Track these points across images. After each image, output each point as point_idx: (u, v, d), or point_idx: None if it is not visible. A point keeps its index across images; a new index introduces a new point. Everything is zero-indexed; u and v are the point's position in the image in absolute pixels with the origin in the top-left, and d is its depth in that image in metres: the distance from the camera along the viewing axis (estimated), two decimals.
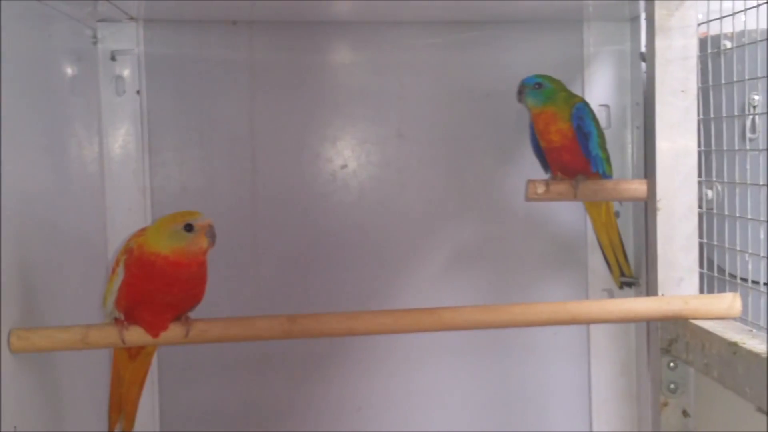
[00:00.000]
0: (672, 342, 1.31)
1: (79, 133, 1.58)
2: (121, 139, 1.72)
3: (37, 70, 1.36)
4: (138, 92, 1.72)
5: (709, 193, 1.44)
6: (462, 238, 1.81)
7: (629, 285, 1.75)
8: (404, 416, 1.82)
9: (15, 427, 1.13)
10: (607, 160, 1.55)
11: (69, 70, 1.53)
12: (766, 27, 1.31)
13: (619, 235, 1.68)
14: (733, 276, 1.37)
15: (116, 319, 1.20)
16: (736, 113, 1.35)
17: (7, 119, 1.17)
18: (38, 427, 1.25)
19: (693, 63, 1.39)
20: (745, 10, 1.29)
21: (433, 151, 1.80)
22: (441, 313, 1.26)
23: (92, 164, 1.64)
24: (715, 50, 1.40)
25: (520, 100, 1.53)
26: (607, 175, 1.54)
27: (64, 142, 1.50)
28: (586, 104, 1.53)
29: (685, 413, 1.33)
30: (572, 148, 1.51)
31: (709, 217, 1.44)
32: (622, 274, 1.71)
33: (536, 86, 1.51)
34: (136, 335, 1.20)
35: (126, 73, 1.72)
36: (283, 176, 1.77)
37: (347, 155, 1.79)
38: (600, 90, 1.80)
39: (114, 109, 1.71)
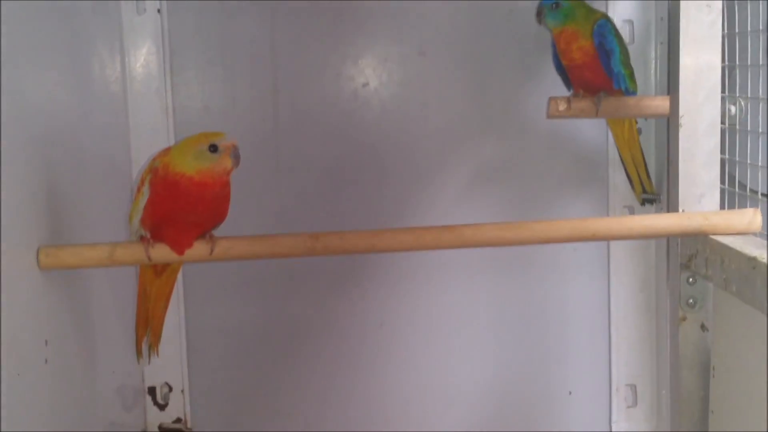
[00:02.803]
0: (691, 257, 1.32)
1: (101, 53, 1.58)
2: (143, 58, 1.72)
3: None
4: (159, 11, 1.71)
5: (732, 108, 1.43)
6: (483, 156, 1.81)
7: (651, 202, 1.75)
8: (426, 333, 1.85)
9: (46, 341, 1.16)
10: (631, 76, 1.54)
11: None
12: None
13: (642, 151, 1.67)
14: (754, 191, 1.36)
15: (142, 237, 1.22)
16: (761, 27, 1.34)
17: (30, 41, 1.18)
18: (68, 341, 1.28)
19: None
20: None
21: (454, 69, 1.79)
22: (462, 230, 1.26)
23: (115, 84, 1.65)
24: None
25: (539, 21, 1.51)
26: (630, 92, 1.53)
27: (87, 62, 1.50)
28: (608, 20, 1.51)
29: (703, 327, 1.34)
30: (594, 65, 1.50)
31: (731, 132, 1.43)
32: (644, 191, 1.71)
33: (554, 6, 1.49)
34: (161, 252, 1.21)
35: None
36: (305, 95, 1.77)
37: (369, 74, 1.78)
38: (624, 5, 1.77)
39: (135, 29, 1.71)
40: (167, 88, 1.73)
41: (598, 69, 1.50)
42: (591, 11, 1.52)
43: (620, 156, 1.70)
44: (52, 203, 1.22)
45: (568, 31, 1.50)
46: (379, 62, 1.78)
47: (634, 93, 1.55)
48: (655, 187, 1.73)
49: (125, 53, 1.70)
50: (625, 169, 1.70)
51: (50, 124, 1.25)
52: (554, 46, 1.55)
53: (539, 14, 1.51)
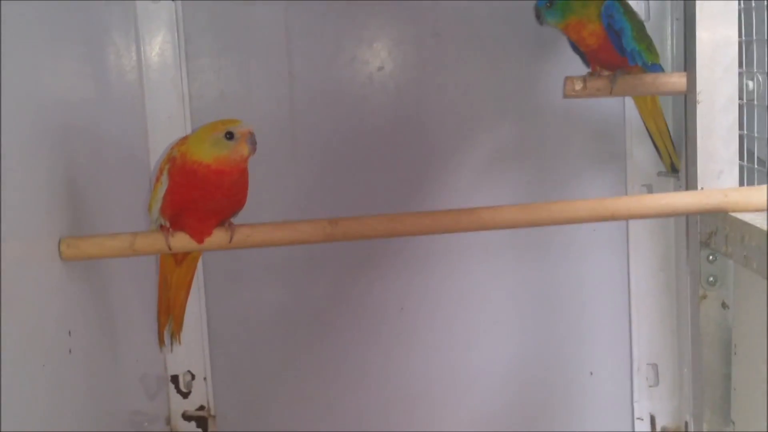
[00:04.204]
0: (711, 235, 1.31)
1: (117, 41, 1.59)
2: (158, 46, 1.73)
3: None
4: None
5: (750, 84, 1.42)
6: (501, 137, 1.81)
7: (676, 171, 1.73)
8: (446, 316, 1.85)
9: (69, 331, 1.17)
10: (647, 48, 1.52)
11: None
12: None
13: (665, 122, 1.66)
14: None
15: (162, 226, 1.23)
16: None
17: (47, 32, 1.18)
18: (92, 331, 1.29)
19: None
20: None
21: (469, 51, 1.79)
22: (480, 212, 1.26)
23: (131, 73, 1.65)
24: None
25: (540, 23, 1.49)
26: (648, 65, 1.52)
27: (103, 52, 1.51)
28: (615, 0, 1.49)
29: (724, 305, 1.34)
30: (606, 47, 1.49)
31: (749, 108, 1.42)
32: (671, 162, 1.70)
33: (548, 5, 1.47)
34: (181, 241, 1.22)
35: None
36: (320, 80, 1.77)
37: (384, 57, 1.78)
38: None
39: (150, 17, 1.71)
40: (183, 76, 1.73)
41: (611, 50, 1.49)
42: None
43: (646, 127, 1.68)
44: (72, 194, 1.23)
45: (573, 23, 1.48)
46: (393, 45, 1.78)
47: (654, 65, 1.53)
48: (679, 159, 1.71)
49: (140, 42, 1.71)
50: (653, 140, 1.69)
51: (68, 116, 1.26)
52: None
53: (538, 17, 1.49)
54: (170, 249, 1.22)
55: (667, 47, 1.75)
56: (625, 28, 1.47)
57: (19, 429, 0.97)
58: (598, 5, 1.47)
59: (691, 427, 1.51)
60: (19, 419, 0.98)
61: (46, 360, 1.08)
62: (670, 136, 1.67)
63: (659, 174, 1.77)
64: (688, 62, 1.47)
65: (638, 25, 1.51)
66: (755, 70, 1.39)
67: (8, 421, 0.94)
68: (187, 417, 1.81)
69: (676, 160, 1.69)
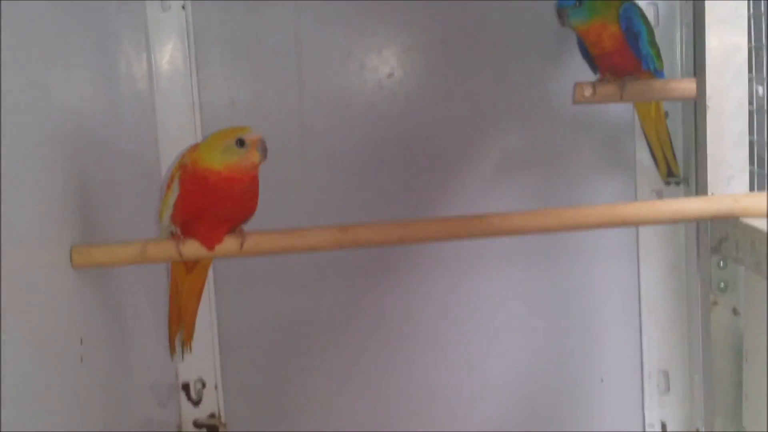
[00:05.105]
0: (722, 241, 1.31)
1: (128, 50, 1.59)
2: (169, 54, 1.73)
3: None
4: (183, 7, 1.72)
5: (760, 89, 1.42)
6: (510, 143, 1.81)
7: (677, 183, 1.74)
8: (456, 323, 1.85)
9: (81, 339, 1.17)
10: (658, 55, 1.52)
11: None
12: None
13: (668, 131, 1.66)
14: None
15: (172, 234, 1.23)
16: None
17: (58, 41, 1.19)
18: (103, 339, 1.30)
19: None
20: None
21: (478, 57, 1.79)
22: (490, 219, 1.26)
23: (142, 81, 1.66)
24: None
25: (562, 23, 1.49)
26: (658, 71, 1.52)
27: (114, 59, 1.51)
28: (633, 3, 1.49)
29: (735, 312, 1.34)
30: (623, 50, 1.48)
31: (759, 113, 1.42)
32: (669, 172, 1.70)
33: (578, 4, 1.47)
34: (192, 248, 1.22)
35: None
36: (330, 87, 1.78)
37: (393, 64, 1.78)
38: None
39: (160, 25, 1.72)
40: (193, 84, 1.74)
41: (627, 53, 1.49)
42: None
43: (645, 136, 1.68)
44: (83, 202, 1.23)
45: (596, 24, 1.47)
46: (403, 52, 1.78)
47: (661, 72, 1.54)
48: (681, 169, 1.71)
49: (151, 50, 1.71)
50: (651, 149, 1.69)
51: (79, 124, 1.26)
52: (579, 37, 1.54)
53: (561, 16, 1.48)
54: (181, 256, 1.22)
55: (676, 53, 1.75)
56: (642, 31, 1.47)
57: None
58: (617, 7, 1.47)
59: None
60: (31, 427, 0.98)
61: (57, 368, 1.08)
62: (671, 146, 1.67)
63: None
64: (697, 68, 1.47)
65: (651, 31, 1.51)
66: (765, 76, 1.39)
67: (20, 429, 0.94)
68: (198, 425, 1.81)
69: (676, 169, 1.69)
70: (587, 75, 1.59)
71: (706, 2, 1.37)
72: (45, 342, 1.04)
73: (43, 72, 1.12)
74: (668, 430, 1.85)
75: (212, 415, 1.81)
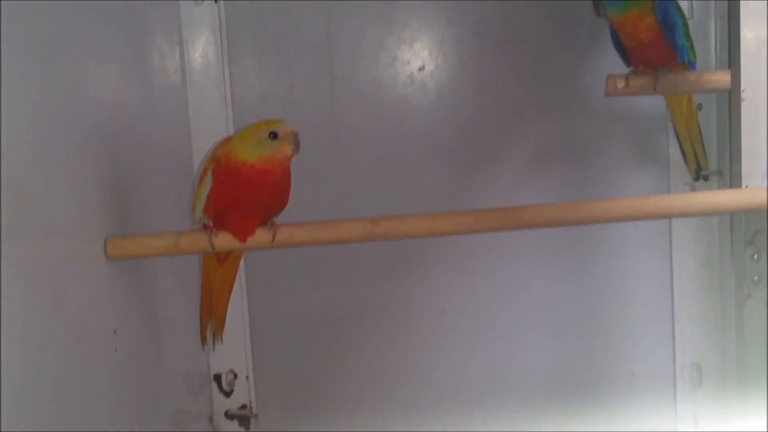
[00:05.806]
0: (756, 234, 1.30)
1: (161, 44, 1.60)
2: (201, 48, 1.74)
3: None
4: (216, 0, 1.73)
5: None
6: (542, 136, 1.81)
7: (705, 178, 1.73)
8: (487, 316, 1.85)
9: (115, 330, 1.18)
10: (692, 47, 1.52)
11: None
12: None
13: (699, 126, 1.65)
14: None
15: (205, 226, 1.24)
16: None
17: (93, 36, 1.20)
18: (136, 330, 1.31)
19: None
20: None
21: (510, 50, 1.79)
22: (522, 211, 1.26)
23: (175, 75, 1.67)
24: None
25: (598, 14, 1.48)
26: (692, 63, 1.51)
27: (147, 54, 1.52)
28: None
29: None
30: (659, 42, 1.48)
31: None
32: (699, 167, 1.69)
33: None
34: (224, 241, 1.23)
35: None
36: (362, 80, 1.78)
37: (424, 57, 1.78)
38: None
39: (193, 19, 1.73)
40: (225, 77, 1.75)
41: (662, 44, 1.48)
42: None
43: (675, 130, 1.68)
44: (117, 194, 1.24)
45: (633, 15, 1.46)
46: (434, 45, 1.78)
47: (695, 64, 1.53)
48: (709, 164, 1.70)
49: (184, 44, 1.72)
50: (680, 144, 1.68)
51: (114, 117, 1.27)
52: (613, 27, 1.53)
53: (597, 7, 1.47)
54: (213, 248, 1.23)
55: (711, 45, 1.74)
56: (678, 23, 1.46)
57: (67, 426, 0.99)
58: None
59: (735, 428, 1.50)
60: (67, 416, 0.99)
61: (92, 358, 1.09)
62: (702, 141, 1.66)
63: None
64: (731, 60, 1.46)
65: (686, 23, 1.50)
66: None
67: (57, 418, 0.95)
68: (229, 416, 1.83)
69: (705, 164, 1.68)
70: (620, 67, 1.58)
71: None
72: (80, 332, 1.05)
73: (79, 67, 1.13)
74: (701, 424, 1.84)
75: (243, 406, 1.83)
